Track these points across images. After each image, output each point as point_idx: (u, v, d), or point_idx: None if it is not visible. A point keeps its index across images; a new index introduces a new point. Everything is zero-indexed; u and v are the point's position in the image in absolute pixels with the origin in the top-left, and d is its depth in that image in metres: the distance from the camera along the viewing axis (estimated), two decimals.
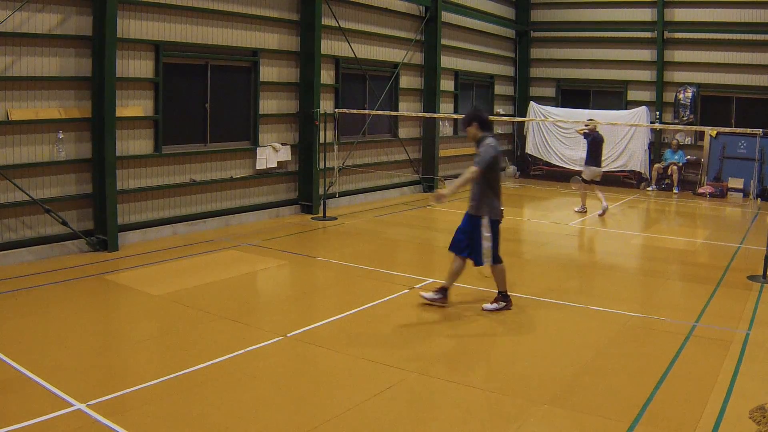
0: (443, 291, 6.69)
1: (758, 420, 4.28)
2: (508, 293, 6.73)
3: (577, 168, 17.26)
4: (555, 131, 18.17)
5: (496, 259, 6.52)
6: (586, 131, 12.74)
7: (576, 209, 13.00)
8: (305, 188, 12.07)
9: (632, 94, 18.20)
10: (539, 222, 12.40)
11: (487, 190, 6.38)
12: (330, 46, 12.54)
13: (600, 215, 12.52)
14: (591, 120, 13.71)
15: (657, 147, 17.53)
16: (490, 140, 6.39)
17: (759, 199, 15.09)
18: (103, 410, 4.27)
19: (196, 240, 9.57)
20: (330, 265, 8.66)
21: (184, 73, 10.10)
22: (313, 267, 8.59)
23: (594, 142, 12.50)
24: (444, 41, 15.67)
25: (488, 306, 6.68)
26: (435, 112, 14.94)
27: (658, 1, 17.27)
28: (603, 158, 12.95)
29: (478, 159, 6.31)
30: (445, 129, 16.49)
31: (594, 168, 12.54)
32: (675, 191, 16.34)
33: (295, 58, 11.83)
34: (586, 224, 11.95)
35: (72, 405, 4.34)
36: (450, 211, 13.14)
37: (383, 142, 14.40)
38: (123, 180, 9.12)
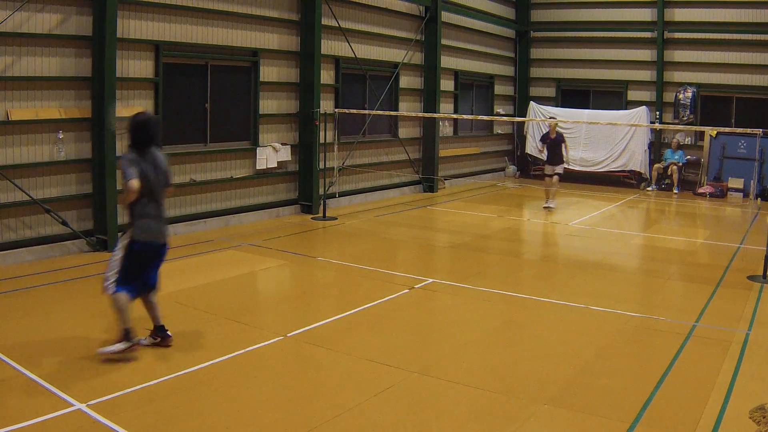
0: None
1: (758, 420, 4.28)
2: (129, 332, 5.16)
3: (577, 168, 17.31)
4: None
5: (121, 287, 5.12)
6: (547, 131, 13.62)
7: (551, 206, 13.39)
8: (305, 188, 12.07)
9: (632, 94, 18.19)
10: (539, 222, 12.40)
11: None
12: (330, 46, 12.54)
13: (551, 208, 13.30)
14: (552, 119, 14.45)
15: (657, 147, 17.52)
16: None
17: (759, 199, 15.08)
18: (103, 410, 4.27)
19: (196, 240, 9.57)
20: (330, 265, 8.66)
21: (184, 73, 10.10)
22: (313, 267, 8.59)
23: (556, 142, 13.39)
24: (444, 41, 15.66)
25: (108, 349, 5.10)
26: (435, 112, 14.93)
27: (658, 1, 17.26)
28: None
29: None
30: (445, 129, 16.49)
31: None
32: (675, 191, 16.33)
33: (295, 58, 11.83)
34: (586, 224, 11.94)
35: (72, 405, 4.34)
36: (450, 211, 13.15)
37: (383, 142, 14.40)
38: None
